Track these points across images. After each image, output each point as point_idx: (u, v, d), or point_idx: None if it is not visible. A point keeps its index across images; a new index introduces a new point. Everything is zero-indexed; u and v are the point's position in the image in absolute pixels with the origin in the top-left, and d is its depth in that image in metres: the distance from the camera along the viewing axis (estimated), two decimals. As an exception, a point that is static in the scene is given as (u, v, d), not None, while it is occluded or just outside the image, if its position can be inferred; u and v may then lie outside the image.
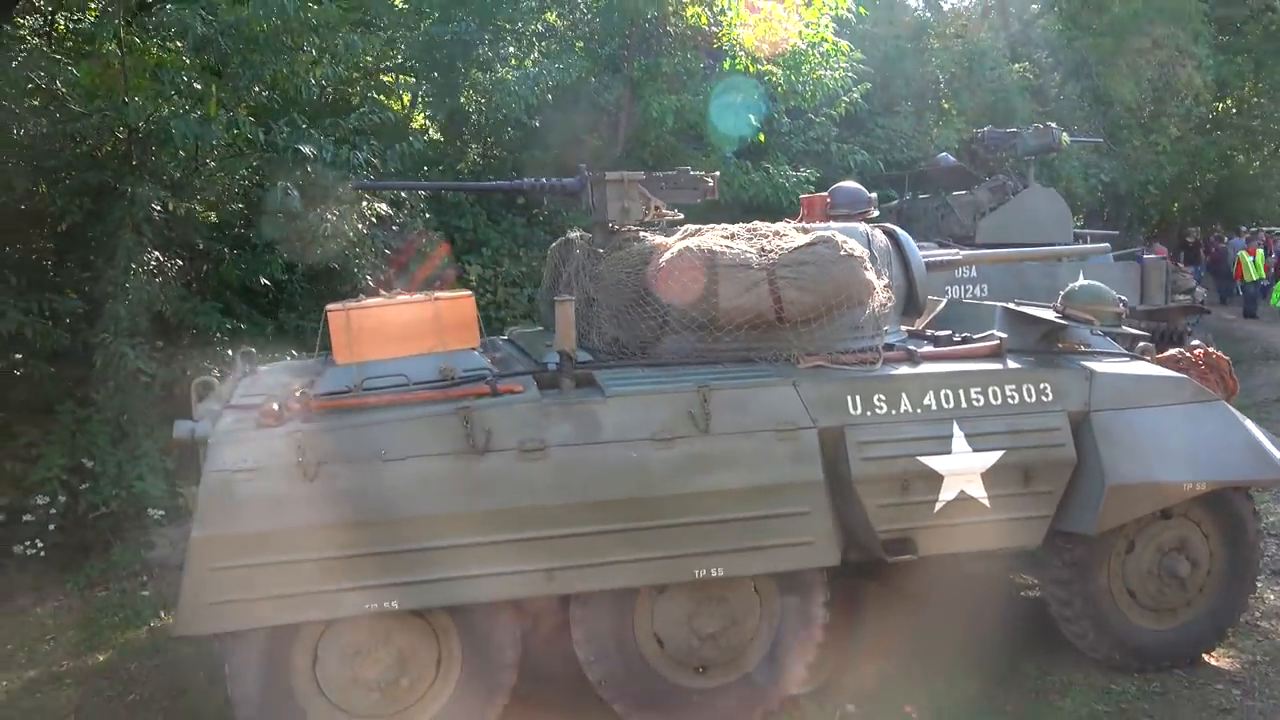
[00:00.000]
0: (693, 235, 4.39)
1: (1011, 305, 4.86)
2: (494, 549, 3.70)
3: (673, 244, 4.33)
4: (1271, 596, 5.43)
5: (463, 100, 8.96)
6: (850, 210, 5.33)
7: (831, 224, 4.83)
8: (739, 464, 3.91)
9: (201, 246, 6.84)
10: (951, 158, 10.05)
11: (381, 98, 7.93)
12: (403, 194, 7.36)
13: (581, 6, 9.80)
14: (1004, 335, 4.49)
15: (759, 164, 11.00)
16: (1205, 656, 4.69)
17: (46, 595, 5.82)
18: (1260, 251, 18.62)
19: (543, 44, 9.59)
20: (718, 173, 5.04)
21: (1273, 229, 23.37)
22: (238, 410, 3.87)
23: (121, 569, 6.10)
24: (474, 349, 4.24)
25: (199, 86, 5.89)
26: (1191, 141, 19.06)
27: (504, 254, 8.85)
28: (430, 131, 7.54)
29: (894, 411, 4.12)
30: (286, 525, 3.53)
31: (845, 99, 11.45)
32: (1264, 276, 18.32)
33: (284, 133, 6.03)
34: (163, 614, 5.55)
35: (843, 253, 4.19)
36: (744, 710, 4.13)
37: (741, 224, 4.58)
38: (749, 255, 4.18)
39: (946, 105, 15.24)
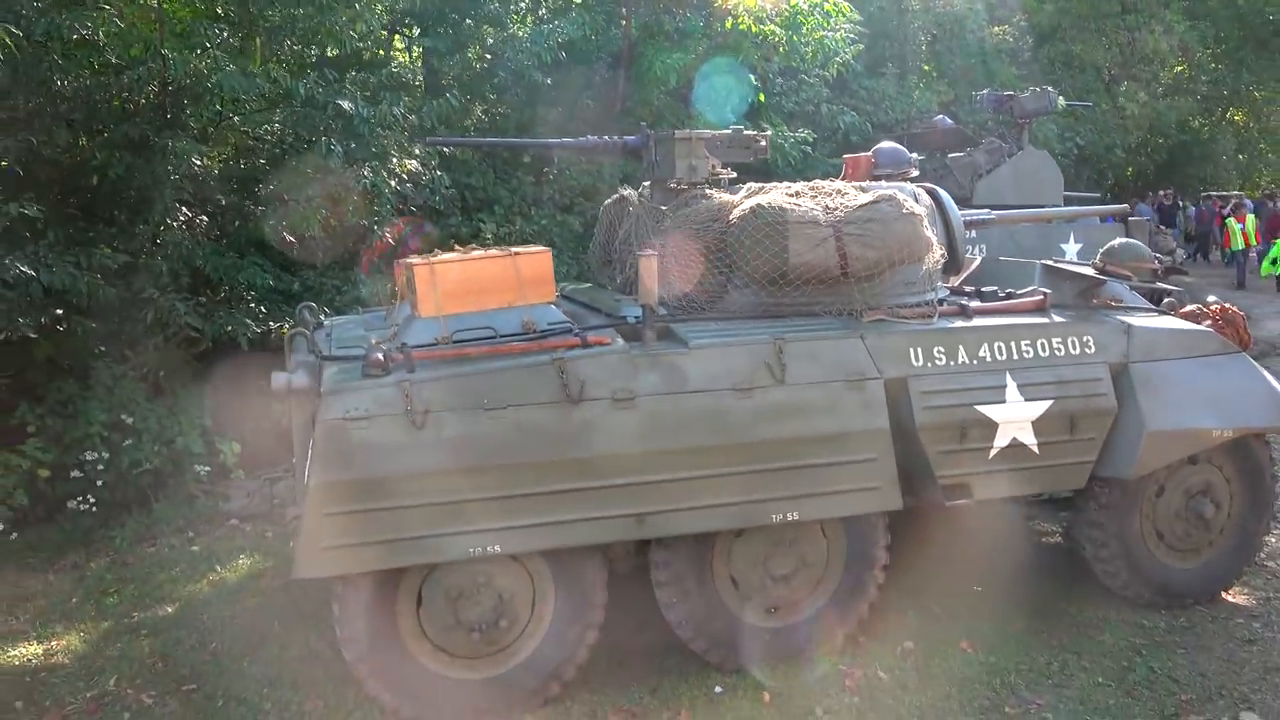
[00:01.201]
0: (757, 194, 4.56)
1: (1050, 262, 5.11)
2: (588, 494, 3.87)
3: (739, 201, 4.50)
4: (1272, 539, 5.80)
5: (471, 56, 8.96)
6: (894, 170, 5.52)
7: (880, 183, 5.05)
8: (812, 412, 4.12)
9: (223, 202, 6.84)
10: (949, 120, 10.27)
11: (396, 52, 7.90)
12: (423, 150, 7.39)
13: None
14: (1048, 291, 4.74)
15: (756, 124, 11.14)
16: (1224, 594, 5.04)
17: (96, 551, 5.87)
18: (1250, 217, 17.75)
19: (548, 0, 9.62)
20: (769, 130, 5.18)
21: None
22: (338, 362, 3.97)
23: (165, 524, 6.17)
24: (551, 303, 4.39)
25: (231, 39, 5.86)
26: (1153, 106, 19.54)
27: (515, 212, 8.92)
28: (454, 88, 7.53)
29: (952, 363, 4.35)
30: (397, 471, 3.67)
31: (838, 60, 11.60)
32: (1254, 244, 17.68)
33: (321, 86, 6.04)
34: (218, 567, 5.65)
35: (905, 210, 4.39)
36: (810, 647, 4.38)
37: (802, 182, 4.76)
38: (816, 213, 4.36)
39: (927, 68, 15.45)
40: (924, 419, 4.25)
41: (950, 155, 9.56)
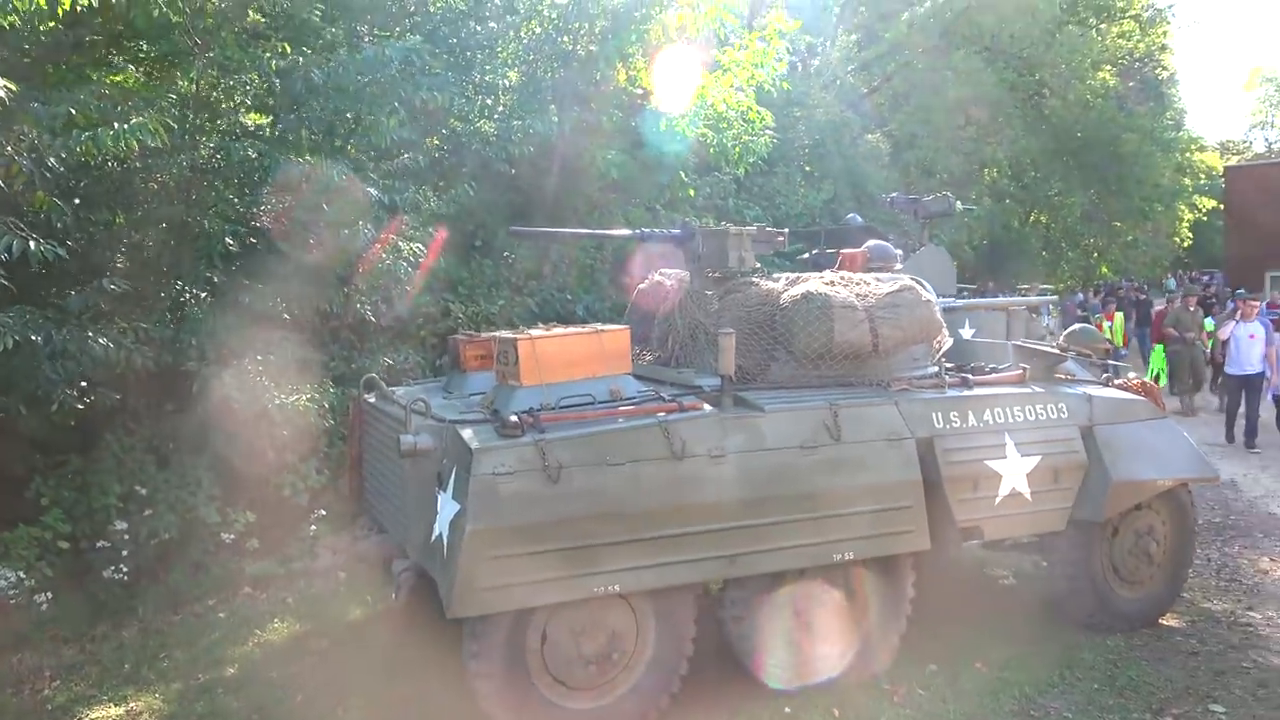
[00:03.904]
0: (796, 282, 5.33)
1: (1021, 343, 6.10)
2: (690, 539, 4.42)
3: (782, 289, 5.25)
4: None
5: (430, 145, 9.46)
6: (884, 264, 6.43)
7: (873, 274, 5.92)
8: (862, 467, 4.84)
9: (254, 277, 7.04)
10: (859, 218, 11.47)
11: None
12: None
13: (540, 66, 10.53)
14: (1026, 366, 5.69)
15: (672, 216, 12.05)
16: (1161, 619, 6.02)
17: (121, 622, 5.87)
18: (1119, 316, 16.98)
19: (505, 97, 10.24)
20: (787, 230, 5.99)
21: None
22: (466, 425, 4.40)
23: (184, 593, 6.22)
24: (629, 373, 4.97)
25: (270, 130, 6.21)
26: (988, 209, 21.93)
27: (479, 294, 9.38)
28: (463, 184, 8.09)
29: (966, 425, 5.20)
30: (537, 520, 4.13)
31: (750, 160, 12.74)
32: (1123, 347, 16.75)
33: (349, 171, 6.45)
34: (258, 631, 5.79)
35: (924, 298, 5.27)
36: (859, 670, 5.03)
37: (829, 271, 5.57)
38: (852, 299, 5.16)
39: (809, 169, 16.97)
40: (947, 472, 5.05)
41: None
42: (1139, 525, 5.83)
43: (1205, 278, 41.50)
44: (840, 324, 5.03)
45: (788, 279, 5.41)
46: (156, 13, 5.86)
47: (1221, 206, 39.52)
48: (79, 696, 4.92)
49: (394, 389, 5.77)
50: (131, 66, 7.29)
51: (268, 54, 6.73)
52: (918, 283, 5.98)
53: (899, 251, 6.70)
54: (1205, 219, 40.56)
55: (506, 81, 9.93)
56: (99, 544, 5.98)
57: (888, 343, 5.15)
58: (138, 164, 5.95)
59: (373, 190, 6.55)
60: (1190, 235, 38.62)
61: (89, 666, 5.29)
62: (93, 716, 4.71)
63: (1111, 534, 5.77)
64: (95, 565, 5.97)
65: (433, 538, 4.33)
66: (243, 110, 6.32)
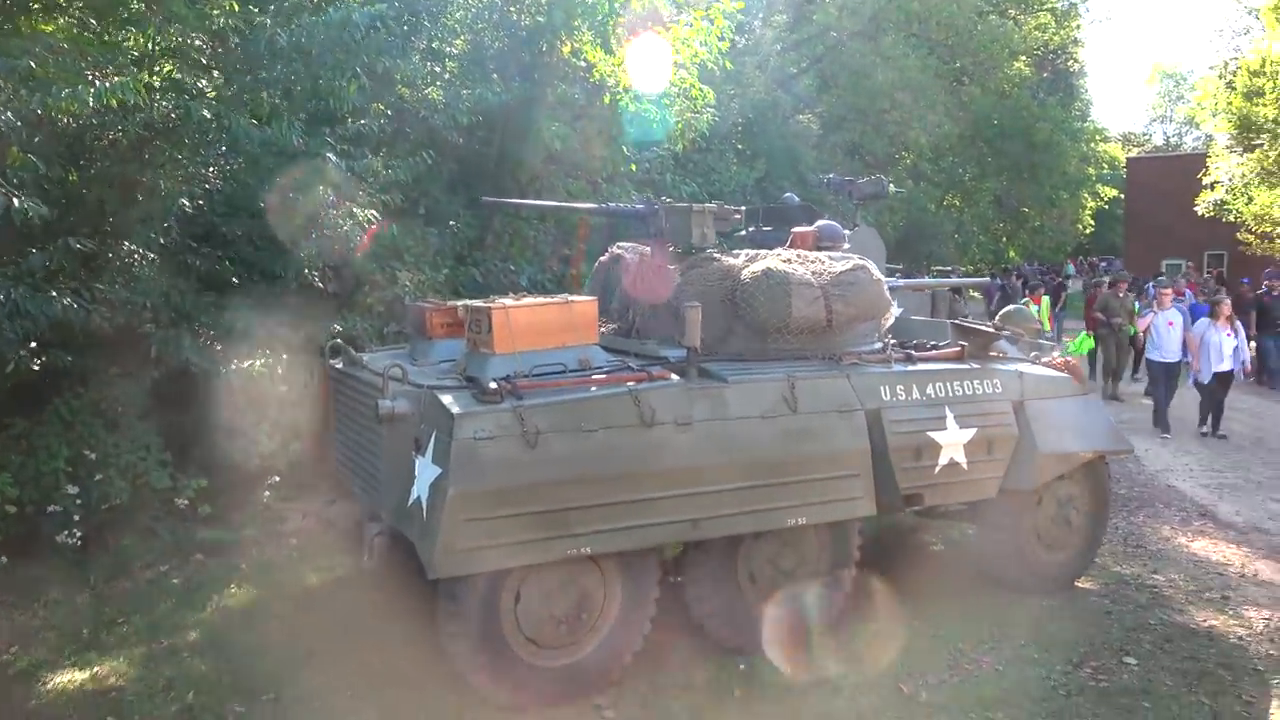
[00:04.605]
0: (756, 259, 5.55)
1: (960, 321, 6.44)
2: (658, 503, 4.62)
3: (742, 265, 5.47)
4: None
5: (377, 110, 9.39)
6: (833, 244, 6.68)
7: (824, 253, 6.18)
8: (816, 436, 5.11)
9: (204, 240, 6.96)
10: (796, 197, 11.77)
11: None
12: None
13: (487, 34, 10.50)
14: (965, 343, 6.03)
15: (612, 190, 12.19)
16: (1077, 582, 6.48)
17: (71, 589, 5.82)
18: (1046, 299, 16.72)
19: (452, 64, 10.20)
20: (744, 208, 6.20)
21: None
22: (445, 390, 4.50)
23: (135, 560, 6.18)
24: (597, 344, 5.13)
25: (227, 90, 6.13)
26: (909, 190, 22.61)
27: (424, 262, 9.39)
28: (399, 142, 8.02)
29: (910, 397, 5.50)
30: (516, 483, 4.28)
31: (689, 136, 12.93)
32: (1048, 329, 16.27)
33: (311, 138, 6.40)
34: (214, 597, 5.81)
35: (875, 277, 5.55)
36: (802, 628, 5.33)
37: (780, 249, 5.80)
38: (809, 276, 5.40)
39: (741, 146, 17.25)
40: (893, 442, 5.34)
41: (798, 228, 11.01)
42: (1061, 494, 6.25)
43: (1104, 264, 43.40)
44: (798, 300, 5.27)
45: (747, 255, 5.63)
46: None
47: (1122, 196, 41.33)
48: (40, 662, 4.89)
49: (361, 355, 5.84)
50: (64, 19, 7.10)
51: (216, 11, 6.63)
52: (866, 262, 6.28)
53: (847, 231, 6.97)
54: (1106, 207, 42.43)
55: (452, 49, 9.90)
56: (49, 509, 5.89)
57: (841, 319, 5.41)
58: (93, 120, 5.83)
59: (330, 155, 6.53)
60: (1092, 223, 40.33)
61: (45, 632, 5.25)
62: (58, 681, 4.70)
63: (1037, 502, 6.18)
64: (45, 530, 5.89)
65: (410, 501, 4.44)
66: (197, 70, 6.22)
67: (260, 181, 6.62)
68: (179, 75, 6.15)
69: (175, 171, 6.12)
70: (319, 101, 6.82)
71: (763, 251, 5.71)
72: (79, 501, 5.95)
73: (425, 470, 4.35)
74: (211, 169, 6.91)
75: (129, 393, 6.53)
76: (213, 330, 6.75)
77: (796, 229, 6.68)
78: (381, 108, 8.97)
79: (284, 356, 7.02)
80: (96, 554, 6.15)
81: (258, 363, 6.61)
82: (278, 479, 6.91)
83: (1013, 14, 26.43)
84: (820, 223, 6.78)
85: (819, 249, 6.54)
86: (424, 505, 4.30)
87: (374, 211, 7.17)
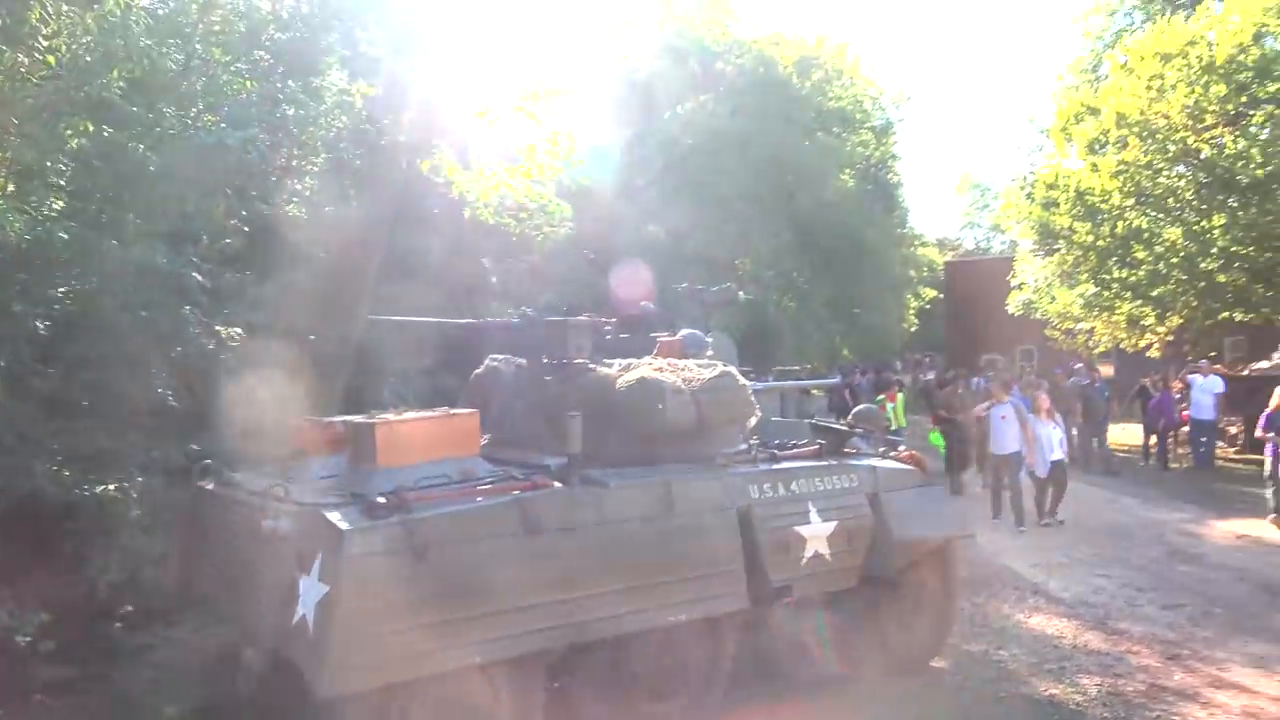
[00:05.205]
0: (629, 369, 5.84)
1: (816, 421, 6.90)
2: (545, 608, 4.74)
3: (617, 375, 5.75)
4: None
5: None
6: (697, 352, 7.06)
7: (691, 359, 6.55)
8: (693, 535, 5.37)
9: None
10: (652, 306, 12.29)
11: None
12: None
13: (346, 151, 10.63)
14: (823, 442, 6.47)
15: (473, 302, 12.41)
16: (932, 662, 6.89)
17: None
18: (900, 396, 16.61)
19: (311, 181, 10.25)
20: (615, 319, 6.51)
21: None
22: (329, 507, 4.51)
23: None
24: (478, 455, 5.27)
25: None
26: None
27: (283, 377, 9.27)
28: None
29: (776, 494, 5.85)
30: (406, 596, 4.32)
31: (545, 248, 13.35)
32: (904, 424, 16.10)
33: (176, 257, 6.35)
34: None
35: (741, 382, 5.93)
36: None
37: (651, 357, 6.14)
38: (679, 384, 5.73)
39: (594, 257, 17.84)
40: (763, 538, 5.66)
41: (655, 335, 11.48)
42: (914, 579, 6.70)
43: (927, 359, 46.23)
44: (671, 406, 5.57)
45: (620, 365, 5.92)
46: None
47: (941, 296, 44.53)
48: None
49: (234, 475, 5.74)
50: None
51: (69, 131, 6.56)
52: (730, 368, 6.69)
53: (709, 339, 7.38)
54: (928, 307, 45.55)
55: (313, 166, 10.01)
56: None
57: (710, 423, 5.74)
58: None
59: (196, 275, 6.50)
60: (916, 322, 43.19)
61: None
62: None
63: (893, 588, 6.59)
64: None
65: (294, 620, 4.39)
66: (54, 192, 6.12)
67: (115, 301, 6.49)
68: (34, 198, 6.04)
69: (33, 293, 5.94)
70: (184, 221, 6.80)
71: (634, 361, 6.01)
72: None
73: (311, 589, 4.33)
74: (62, 289, 6.73)
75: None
76: (60, 456, 6.47)
77: (662, 339, 7.04)
78: (242, 227, 8.96)
79: (139, 479, 6.78)
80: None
81: (111, 486, 6.36)
82: (130, 609, 6.58)
83: (837, 130, 28.61)
84: (684, 331, 7.17)
85: (685, 356, 6.92)
86: (310, 624, 4.27)
87: (238, 329, 7.10)
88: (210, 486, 5.55)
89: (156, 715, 5.89)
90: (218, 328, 6.99)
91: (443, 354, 11.79)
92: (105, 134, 6.59)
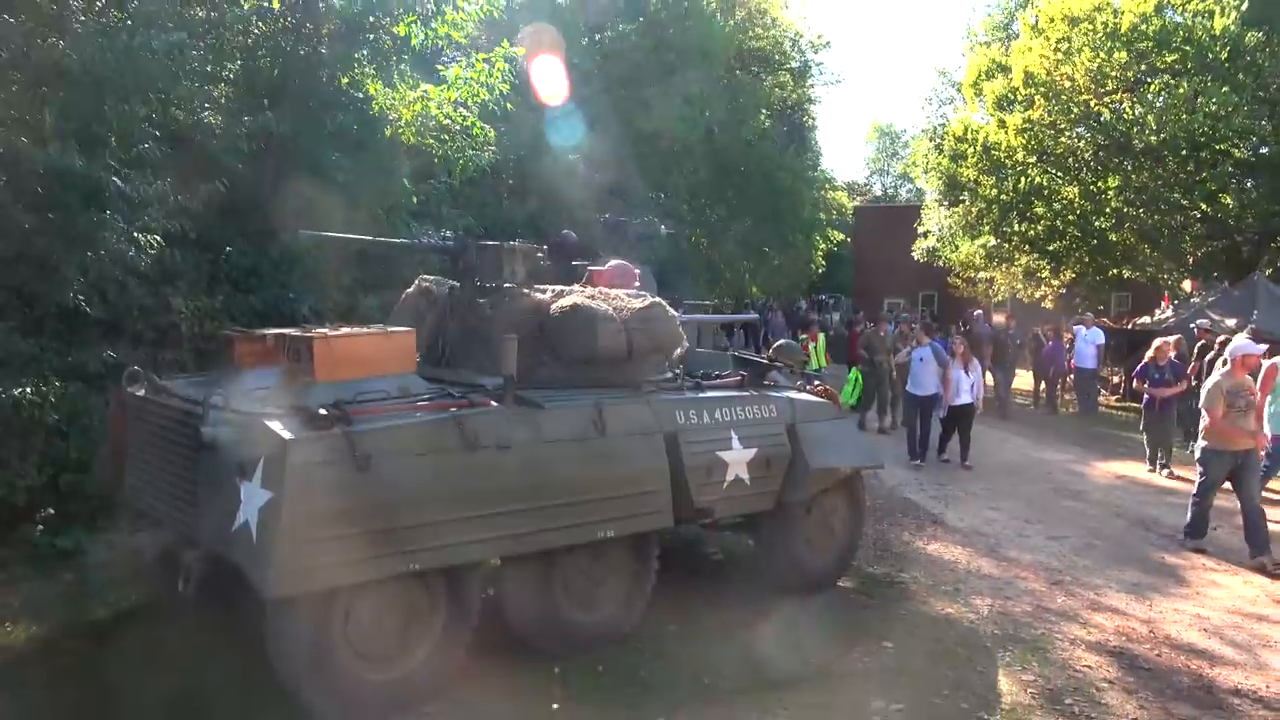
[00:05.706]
0: (562, 295, 5.96)
1: (739, 353, 7.15)
2: (481, 520, 4.91)
3: (551, 300, 5.87)
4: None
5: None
6: (624, 282, 7.19)
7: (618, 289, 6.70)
8: (621, 457, 5.58)
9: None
10: (573, 235, 12.31)
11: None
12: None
13: (263, 65, 10.26)
14: (745, 373, 6.73)
15: (392, 221, 12.23)
16: (838, 581, 7.33)
17: None
18: (822, 336, 16.61)
19: (226, 89, 9.89)
20: (546, 247, 6.59)
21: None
22: (272, 417, 4.55)
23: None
24: (414, 373, 5.35)
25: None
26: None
27: (199, 289, 9.05)
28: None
29: (701, 421, 6.10)
30: (347, 505, 4.42)
31: (469, 171, 13.19)
32: (825, 365, 16.40)
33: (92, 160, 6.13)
34: None
35: (670, 313, 6.12)
36: (613, 635, 5.75)
37: (584, 286, 6.26)
38: (611, 311, 5.88)
39: (513, 183, 17.71)
40: (689, 461, 5.91)
41: (578, 263, 11.55)
42: (825, 505, 7.08)
43: (831, 300, 47.25)
44: (602, 333, 5.73)
45: (554, 291, 6.04)
46: None
47: (849, 240, 45.45)
48: None
49: (175, 381, 5.69)
50: None
51: None
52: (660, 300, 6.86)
53: (638, 270, 7.52)
54: (836, 249, 46.50)
55: (228, 74, 9.66)
56: None
57: (640, 351, 5.92)
58: None
59: (115, 179, 6.30)
60: (824, 263, 44.09)
61: None
62: None
63: (806, 512, 6.96)
64: None
65: (235, 525, 4.45)
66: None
67: (29, 201, 6.27)
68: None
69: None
70: (101, 124, 6.55)
71: (569, 288, 6.13)
72: None
73: (254, 495, 4.39)
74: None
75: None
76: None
77: (594, 267, 7.16)
78: (153, 131, 8.65)
79: (56, 384, 6.63)
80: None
81: (27, 391, 6.22)
82: (51, 511, 6.49)
83: (756, 70, 28.71)
84: (614, 261, 7.29)
85: (614, 286, 7.06)
86: (253, 529, 4.35)
87: (158, 236, 6.94)
88: (140, 393, 5.49)
89: (87, 616, 5.88)
90: (135, 234, 6.80)
91: (359, 272, 11.69)
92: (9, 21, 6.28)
